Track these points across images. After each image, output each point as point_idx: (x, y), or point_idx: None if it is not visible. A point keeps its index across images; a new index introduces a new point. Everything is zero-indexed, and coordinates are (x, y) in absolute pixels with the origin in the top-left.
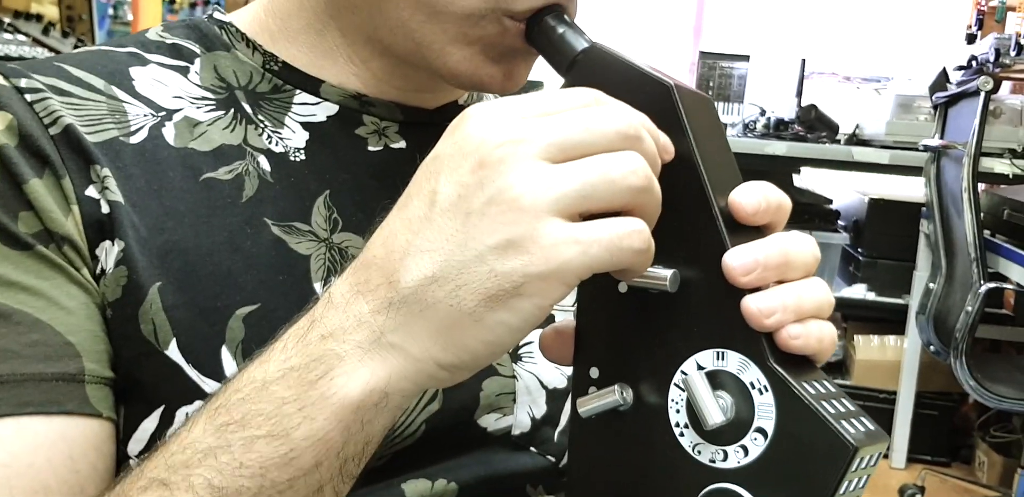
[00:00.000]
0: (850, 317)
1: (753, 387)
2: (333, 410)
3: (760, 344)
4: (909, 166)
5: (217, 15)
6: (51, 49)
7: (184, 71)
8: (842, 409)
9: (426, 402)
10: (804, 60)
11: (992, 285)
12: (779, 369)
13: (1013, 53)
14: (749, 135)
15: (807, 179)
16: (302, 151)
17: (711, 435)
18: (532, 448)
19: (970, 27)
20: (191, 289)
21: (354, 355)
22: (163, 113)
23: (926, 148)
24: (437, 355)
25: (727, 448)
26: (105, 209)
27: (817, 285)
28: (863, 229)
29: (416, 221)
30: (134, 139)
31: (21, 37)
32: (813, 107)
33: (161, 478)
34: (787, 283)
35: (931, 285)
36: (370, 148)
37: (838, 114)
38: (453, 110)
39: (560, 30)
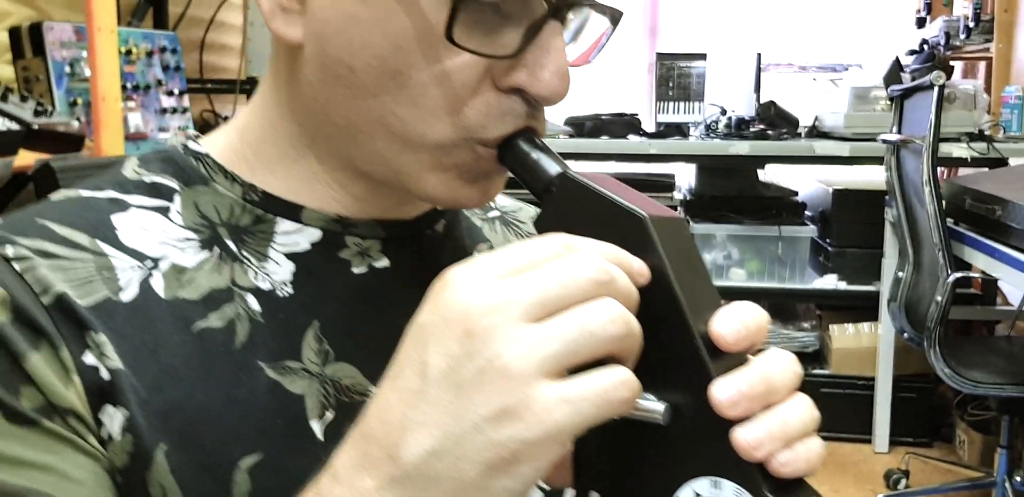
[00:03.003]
0: (823, 307)
1: None
2: None
3: (753, 474)
4: (870, 157)
5: (192, 145)
6: (11, 117)
7: (165, 211)
8: None
9: None
10: (760, 54)
11: (959, 274)
12: None
13: (963, 35)
14: (712, 136)
15: (771, 173)
16: (289, 285)
17: None
18: None
19: (919, 11)
20: (193, 447)
21: None
22: (149, 263)
23: (885, 142)
24: None
25: None
26: (105, 375)
27: (801, 405)
28: (830, 220)
29: (410, 394)
30: (125, 297)
31: None
32: (772, 104)
33: None
34: (773, 408)
35: (900, 274)
36: (354, 270)
37: (796, 107)
38: (432, 216)
39: (533, 155)
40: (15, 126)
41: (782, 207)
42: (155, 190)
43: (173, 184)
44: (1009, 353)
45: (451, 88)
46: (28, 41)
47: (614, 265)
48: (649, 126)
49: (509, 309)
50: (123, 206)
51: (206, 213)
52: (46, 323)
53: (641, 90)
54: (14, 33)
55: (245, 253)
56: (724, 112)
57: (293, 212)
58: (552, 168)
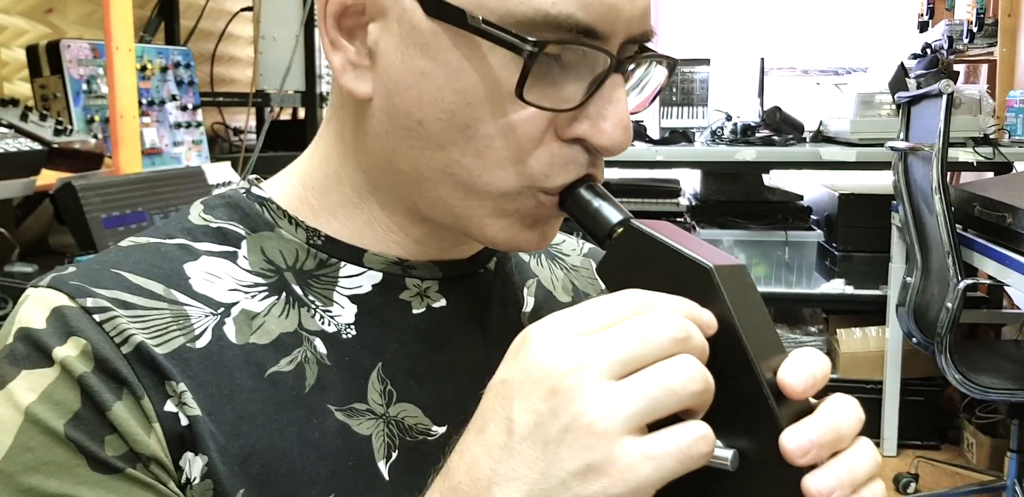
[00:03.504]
0: (830, 311)
1: None
2: None
3: None
4: (877, 162)
5: (256, 191)
6: (33, 137)
7: (233, 257)
8: None
9: None
10: (763, 59)
11: (970, 281)
12: None
13: (965, 39)
14: (718, 142)
15: (776, 177)
16: (352, 327)
17: None
18: None
19: (922, 15)
20: (271, 490)
21: None
22: (221, 309)
23: (894, 149)
24: None
25: None
26: (184, 422)
27: (866, 450)
28: (836, 224)
29: (497, 449)
30: (199, 344)
31: (3, 128)
32: (777, 109)
33: None
34: (840, 455)
35: (908, 279)
36: (414, 311)
37: (801, 111)
38: (485, 255)
39: (595, 203)
40: (37, 146)
41: (788, 212)
42: (223, 236)
43: (240, 230)
44: (1018, 358)
45: (516, 140)
46: (46, 59)
47: (689, 321)
48: (654, 132)
49: (592, 367)
50: (194, 254)
51: (272, 258)
52: (127, 373)
53: None
54: (32, 51)
55: (311, 297)
56: (729, 118)
57: (356, 256)
58: (614, 216)
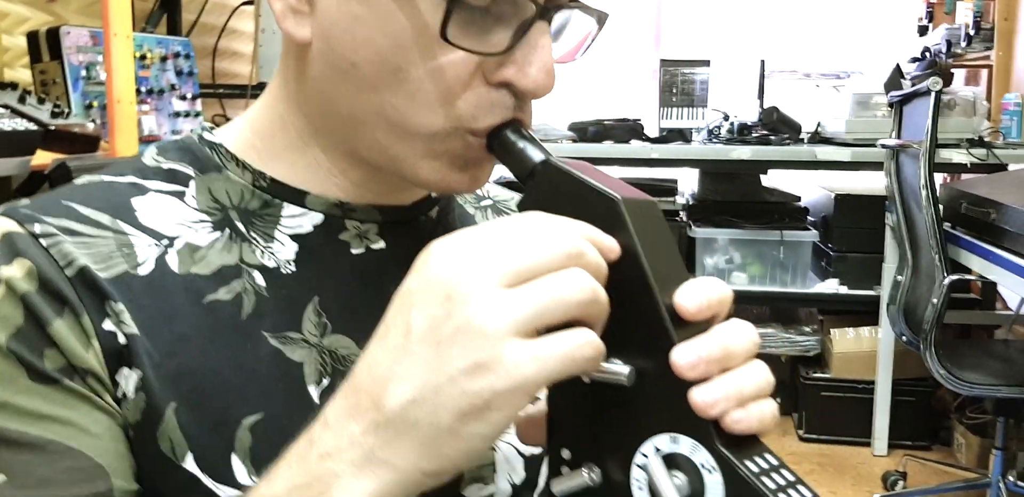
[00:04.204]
0: (825, 311)
1: (703, 467)
2: None
3: (707, 430)
4: (870, 162)
5: (207, 136)
6: (29, 118)
7: (180, 195)
8: (782, 481)
9: None
10: (763, 61)
11: (955, 277)
12: (725, 451)
13: (964, 43)
14: (715, 141)
15: (774, 178)
16: (292, 263)
17: None
18: None
19: (922, 19)
20: (201, 406)
21: (349, 472)
22: (165, 241)
23: (884, 147)
24: (422, 466)
25: None
26: (122, 340)
27: (756, 369)
28: (831, 225)
29: (395, 350)
30: (142, 271)
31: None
32: (775, 109)
33: None
34: (729, 372)
35: (899, 277)
36: (353, 251)
37: (800, 113)
38: (426, 204)
39: (520, 144)
40: (33, 127)
41: (785, 212)
42: (172, 176)
43: (189, 171)
44: (1005, 356)
45: (445, 82)
46: (46, 45)
47: (585, 241)
48: (653, 131)
49: (486, 276)
50: (142, 190)
51: (219, 197)
52: (69, 293)
53: (645, 96)
54: (32, 37)
55: (253, 234)
56: (727, 117)
57: (298, 197)
58: (536, 156)
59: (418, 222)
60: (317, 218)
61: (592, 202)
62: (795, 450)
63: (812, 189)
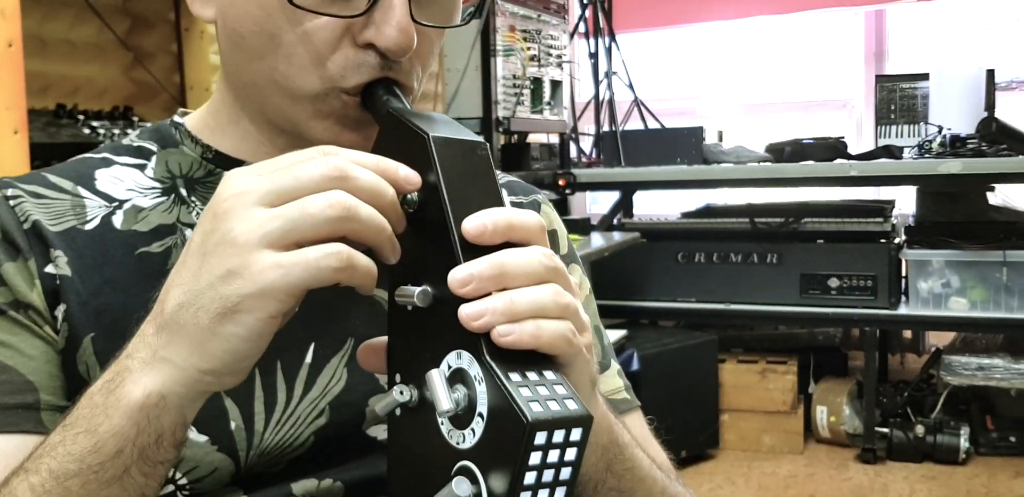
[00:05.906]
0: None
1: (475, 379)
2: (123, 410)
3: (477, 343)
4: None
5: (176, 118)
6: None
7: (142, 168)
8: (546, 393)
9: (313, 417)
10: (991, 71)
11: None
12: (489, 362)
13: None
14: (926, 156)
15: (1008, 195)
16: None
17: (456, 421)
18: None
19: None
20: (116, 338)
21: (138, 368)
22: (115, 203)
23: None
24: (196, 363)
25: (465, 431)
26: (58, 282)
27: (542, 290)
28: None
29: (179, 264)
30: (88, 227)
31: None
32: (993, 119)
33: (25, 467)
34: (506, 290)
35: None
36: None
37: None
38: None
39: (384, 99)
40: None
41: (1010, 231)
42: (138, 152)
43: (153, 147)
44: None
45: (314, 45)
46: None
47: (353, 166)
48: (855, 148)
49: (247, 196)
50: (108, 163)
51: (172, 168)
52: (22, 242)
53: (855, 114)
54: None
55: (193, 198)
56: (940, 130)
57: (236, 166)
58: (387, 108)
59: None
60: None
61: (410, 141)
62: None
63: None
